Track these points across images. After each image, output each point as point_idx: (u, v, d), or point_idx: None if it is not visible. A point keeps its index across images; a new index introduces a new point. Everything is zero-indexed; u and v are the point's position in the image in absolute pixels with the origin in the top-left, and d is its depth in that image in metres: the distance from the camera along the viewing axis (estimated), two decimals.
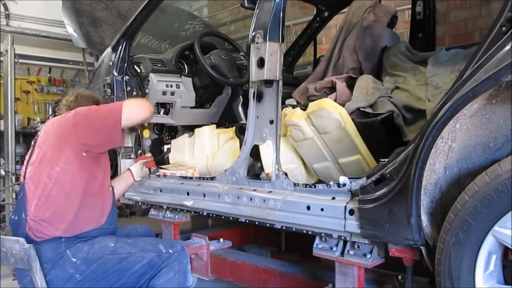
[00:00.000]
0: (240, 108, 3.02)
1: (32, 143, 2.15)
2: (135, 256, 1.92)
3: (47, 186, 1.92)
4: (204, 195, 2.48)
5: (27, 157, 2.11)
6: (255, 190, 2.23)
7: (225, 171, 2.39)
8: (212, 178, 2.49)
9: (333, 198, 1.92)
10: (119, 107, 2.06)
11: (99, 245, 1.92)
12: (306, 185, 2.06)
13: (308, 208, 1.98)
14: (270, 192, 2.16)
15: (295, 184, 2.08)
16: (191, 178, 2.63)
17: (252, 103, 2.22)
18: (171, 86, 2.93)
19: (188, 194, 2.56)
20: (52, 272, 1.85)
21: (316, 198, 1.98)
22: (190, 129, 3.07)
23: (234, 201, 2.30)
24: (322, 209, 1.93)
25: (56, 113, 3.44)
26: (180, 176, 2.68)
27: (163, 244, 1.99)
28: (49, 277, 1.84)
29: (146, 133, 2.45)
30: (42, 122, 5.59)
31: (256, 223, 2.26)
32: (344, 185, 1.89)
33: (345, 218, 1.85)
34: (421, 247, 1.69)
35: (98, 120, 2.03)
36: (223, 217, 2.44)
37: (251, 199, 2.22)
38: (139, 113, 2.14)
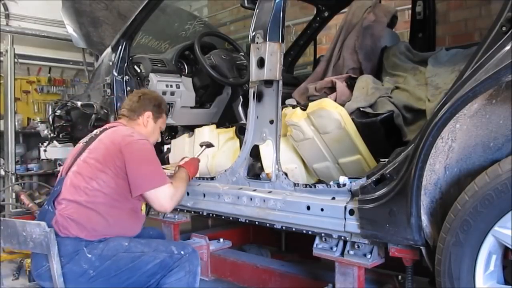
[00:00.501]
0: (240, 108, 3.02)
1: (87, 139, 2.15)
2: (148, 256, 1.95)
3: (81, 195, 1.96)
4: (204, 195, 2.48)
5: (76, 151, 2.12)
6: (255, 190, 2.23)
7: (225, 171, 2.39)
8: (212, 178, 2.49)
9: (333, 198, 1.93)
10: (164, 181, 2.03)
11: (113, 243, 1.96)
12: (306, 185, 2.06)
13: (308, 208, 1.98)
14: (270, 192, 2.16)
15: (295, 184, 2.08)
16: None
17: (252, 103, 2.22)
18: (171, 86, 2.93)
19: (188, 194, 2.56)
20: (67, 266, 1.89)
21: (316, 198, 1.98)
22: (190, 129, 3.07)
23: (234, 201, 2.30)
24: (322, 209, 1.94)
25: (56, 113, 3.45)
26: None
27: (175, 246, 2.02)
28: (63, 270, 1.88)
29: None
30: (42, 122, 5.59)
31: (256, 223, 2.26)
32: (344, 185, 1.89)
33: (345, 218, 1.85)
34: (421, 247, 1.69)
35: (144, 171, 2.01)
36: (223, 217, 2.44)
37: (251, 199, 2.22)
38: (161, 202, 2.04)
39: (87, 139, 2.16)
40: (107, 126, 2.21)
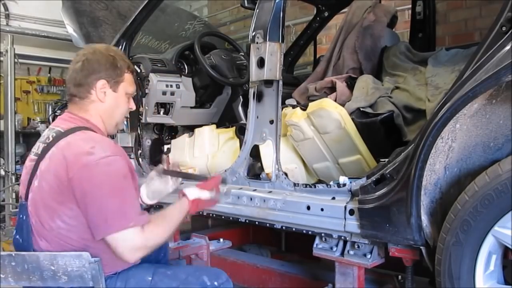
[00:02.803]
0: (240, 108, 3.02)
1: (39, 149, 1.61)
2: None
3: (51, 240, 1.55)
4: None
5: (29, 167, 1.62)
6: (255, 190, 2.23)
7: (225, 171, 2.39)
8: None
9: (333, 198, 1.93)
10: (128, 223, 1.47)
11: (134, 280, 1.59)
12: (306, 185, 2.06)
13: (308, 208, 1.98)
14: (270, 192, 2.16)
15: (295, 184, 2.08)
16: None
17: (252, 103, 2.22)
18: (171, 86, 2.93)
19: None
20: None
21: (316, 198, 1.98)
22: (190, 129, 3.07)
23: (234, 201, 2.30)
24: (322, 209, 1.94)
25: (56, 113, 3.45)
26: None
27: (207, 275, 1.65)
28: None
29: None
30: (42, 122, 5.59)
31: (256, 223, 2.26)
32: (344, 185, 1.89)
33: (345, 218, 1.85)
34: (421, 247, 1.69)
35: (104, 207, 1.47)
36: (223, 217, 2.44)
37: (251, 199, 2.22)
38: (120, 251, 1.48)
39: (40, 150, 1.59)
40: (62, 127, 1.61)
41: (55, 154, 1.53)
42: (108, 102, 1.67)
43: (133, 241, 1.47)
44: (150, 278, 1.59)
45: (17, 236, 1.62)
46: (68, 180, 1.47)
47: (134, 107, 1.80)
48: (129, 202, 1.52)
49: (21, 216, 1.60)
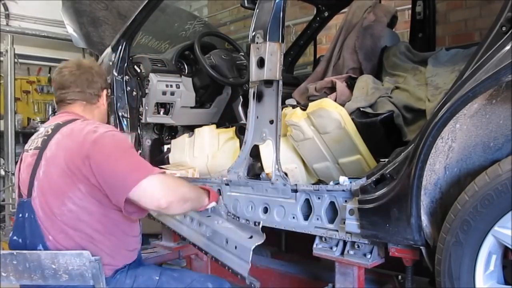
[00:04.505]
0: (240, 108, 3.02)
1: (39, 143, 1.68)
2: None
3: (61, 223, 1.60)
4: None
5: (30, 161, 1.67)
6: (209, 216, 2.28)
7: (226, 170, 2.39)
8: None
9: (251, 237, 2.03)
10: (150, 170, 1.57)
11: (142, 278, 1.68)
12: (234, 216, 2.15)
13: (227, 242, 2.10)
14: (209, 216, 2.24)
15: (228, 212, 2.18)
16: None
17: (252, 103, 2.22)
18: (171, 86, 2.93)
19: None
20: None
21: (237, 232, 2.08)
22: (190, 129, 3.07)
23: (181, 218, 2.44)
24: (235, 247, 2.04)
25: (56, 113, 3.45)
26: (180, 176, 2.67)
27: (211, 282, 1.75)
28: None
29: None
30: (42, 122, 5.58)
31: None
32: (259, 223, 2.01)
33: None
34: (421, 247, 1.69)
35: (122, 166, 1.58)
36: None
37: (191, 219, 2.36)
38: (152, 193, 1.55)
39: (40, 143, 1.68)
40: (59, 121, 1.74)
41: (62, 140, 1.65)
42: (105, 107, 1.99)
43: (154, 186, 1.55)
44: (157, 278, 1.69)
45: (15, 237, 1.65)
46: (82, 158, 1.56)
47: None
48: (139, 159, 1.67)
49: (20, 215, 1.64)
